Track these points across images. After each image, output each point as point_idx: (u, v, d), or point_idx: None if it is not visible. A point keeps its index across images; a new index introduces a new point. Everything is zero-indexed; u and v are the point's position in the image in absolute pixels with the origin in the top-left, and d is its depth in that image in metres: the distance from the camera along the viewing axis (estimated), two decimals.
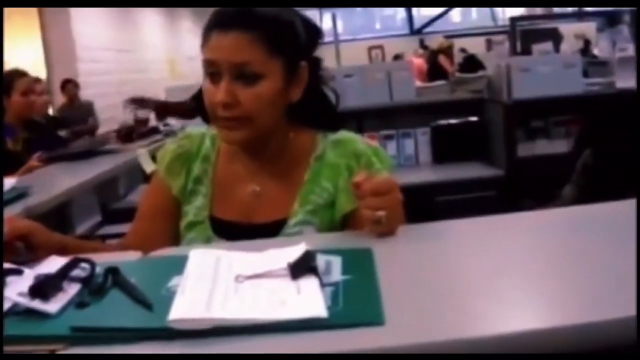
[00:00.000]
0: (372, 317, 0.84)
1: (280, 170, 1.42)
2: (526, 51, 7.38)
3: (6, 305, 0.97)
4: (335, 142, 1.43)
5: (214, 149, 1.48)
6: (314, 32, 1.42)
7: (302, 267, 0.97)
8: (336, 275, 1.00)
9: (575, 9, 12.72)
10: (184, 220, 1.45)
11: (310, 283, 0.94)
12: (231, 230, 1.40)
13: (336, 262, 1.04)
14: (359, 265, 1.03)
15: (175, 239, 1.46)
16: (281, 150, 1.42)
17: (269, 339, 0.82)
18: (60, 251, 1.22)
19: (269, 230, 1.37)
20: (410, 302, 0.91)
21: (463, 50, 12.09)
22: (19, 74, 3.83)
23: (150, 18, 12.03)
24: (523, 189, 3.71)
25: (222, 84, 1.28)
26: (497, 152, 3.73)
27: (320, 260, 1.02)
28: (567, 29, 9.70)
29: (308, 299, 0.89)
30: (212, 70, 1.30)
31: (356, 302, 0.90)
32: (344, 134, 1.45)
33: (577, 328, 0.80)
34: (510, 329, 0.81)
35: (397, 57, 12.25)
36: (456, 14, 19.25)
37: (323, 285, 0.94)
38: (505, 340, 0.79)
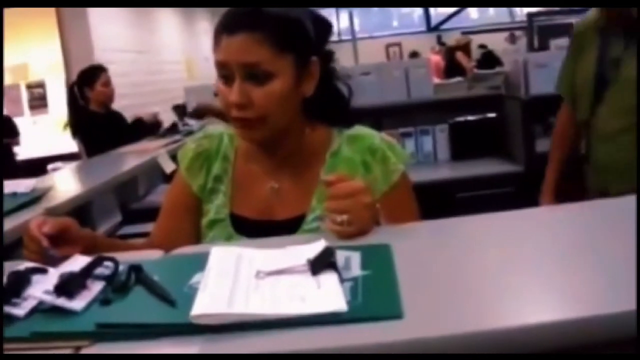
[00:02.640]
0: (391, 310, 0.85)
1: (297, 167, 1.44)
2: (544, 46, 7.33)
3: (32, 303, 0.99)
4: (351, 137, 1.44)
5: (232, 147, 1.50)
6: (324, 27, 1.43)
7: (321, 263, 0.99)
8: (355, 270, 1.01)
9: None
10: (205, 218, 1.47)
11: (329, 278, 0.95)
12: (251, 227, 1.42)
13: (355, 257, 1.06)
14: (378, 261, 1.04)
15: (197, 236, 1.48)
16: (298, 146, 1.43)
17: (290, 333, 0.83)
18: (92, 246, 1.25)
19: (288, 226, 1.39)
20: (428, 296, 0.92)
21: (482, 46, 12.06)
22: (100, 68, 4.61)
23: (167, 19, 12.07)
24: (541, 183, 3.70)
25: (234, 85, 1.30)
26: (516, 148, 3.72)
27: (340, 256, 1.04)
28: None
29: (328, 294, 0.91)
30: (224, 72, 1.32)
31: (375, 297, 0.91)
32: (359, 130, 1.47)
33: (594, 320, 0.80)
34: (528, 321, 0.81)
35: (414, 55, 12.23)
36: (473, 11, 19.16)
37: (342, 280, 0.96)
38: (522, 333, 0.80)
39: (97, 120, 4.48)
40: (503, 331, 0.80)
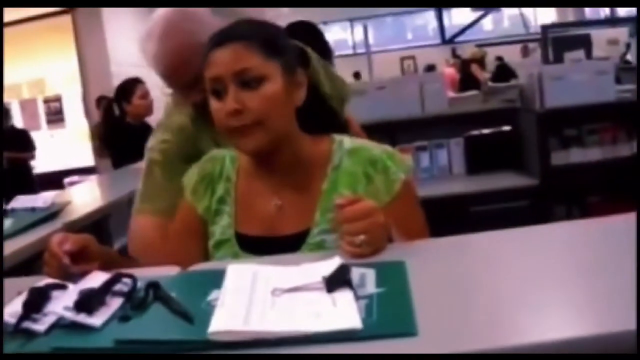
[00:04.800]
0: (406, 328, 0.86)
1: (298, 183, 1.45)
2: (559, 59, 7.33)
3: (52, 319, 1.01)
4: (351, 150, 1.46)
5: (234, 168, 1.52)
6: (313, 37, 1.48)
7: (337, 281, 1.00)
8: (370, 287, 1.02)
9: (608, 14, 12.59)
10: (211, 240, 1.49)
11: (345, 296, 0.97)
12: (257, 244, 1.43)
13: (370, 275, 1.07)
14: (393, 278, 1.05)
15: (205, 258, 1.50)
16: (297, 160, 1.45)
17: (306, 350, 0.85)
18: (109, 263, 1.28)
19: (293, 241, 1.40)
20: (443, 313, 0.93)
21: (499, 58, 12.04)
22: (138, 81, 4.61)
23: None
24: (557, 198, 3.69)
25: (228, 94, 1.33)
26: (531, 161, 3.72)
27: (355, 274, 1.05)
28: (600, 34, 9.59)
29: (343, 311, 0.92)
30: (217, 87, 1.35)
31: (390, 314, 0.92)
32: (358, 142, 1.49)
33: (610, 337, 0.81)
34: (542, 338, 0.82)
35: (430, 68, 12.23)
36: (488, 22, 19.15)
37: (357, 297, 0.97)
38: (537, 349, 0.80)
39: (130, 132, 4.53)
40: (518, 348, 0.81)
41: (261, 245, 1.42)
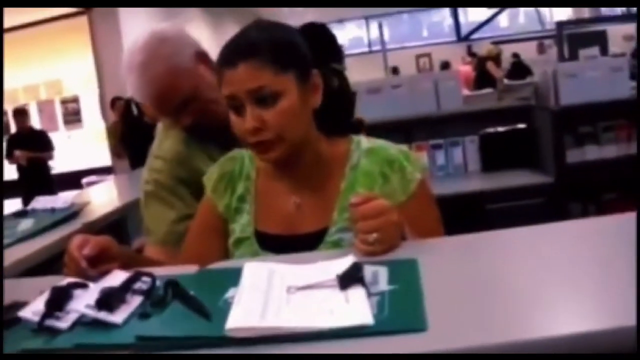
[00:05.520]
0: (416, 323, 0.89)
1: (317, 182, 1.48)
2: (574, 55, 7.30)
3: (74, 317, 1.04)
4: (368, 150, 1.48)
5: (253, 167, 1.54)
6: (322, 37, 1.48)
7: (350, 278, 1.02)
8: (382, 285, 1.04)
9: (625, 10, 12.51)
10: (231, 238, 1.52)
11: (357, 293, 0.99)
12: (276, 242, 1.46)
13: (382, 272, 1.09)
14: (405, 275, 1.07)
15: (225, 256, 1.52)
16: (316, 161, 1.47)
17: (319, 345, 0.87)
18: (128, 264, 1.30)
19: (311, 239, 1.43)
20: (454, 309, 0.95)
21: (515, 55, 12.00)
22: None
23: (197, 31, 12.19)
24: (573, 195, 3.69)
25: (246, 113, 1.35)
26: (546, 159, 3.71)
27: (368, 271, 1.07)
28: (615, 30, 9.54)
29: (355, 308, 0.94)
30: (234, 103, 1.37)
31: (401, 310, 0.94)
32: (375, 142, 1.51)
33: (622, 331, 0.81)
34: (553, 333, 0.83)
35: (445, 66, 12.21)
36: (503, 19, 19.08)
37: (370, 294, 0.99)
38: (547, 344, 0.82)
39: (147, 132, 4.54)
40: (528, 342, 0.82)
41: (280, 243, 1.45)
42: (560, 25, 9.66)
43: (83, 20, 9.28)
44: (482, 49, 12.35)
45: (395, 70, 13.83)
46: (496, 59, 10.00)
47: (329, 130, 1.50)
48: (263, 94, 1.33)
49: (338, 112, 1.51)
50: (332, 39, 1.48)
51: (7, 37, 9.85)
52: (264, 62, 1.33)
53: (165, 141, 1.91)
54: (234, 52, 1.36)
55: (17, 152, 7.65)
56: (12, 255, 2.01)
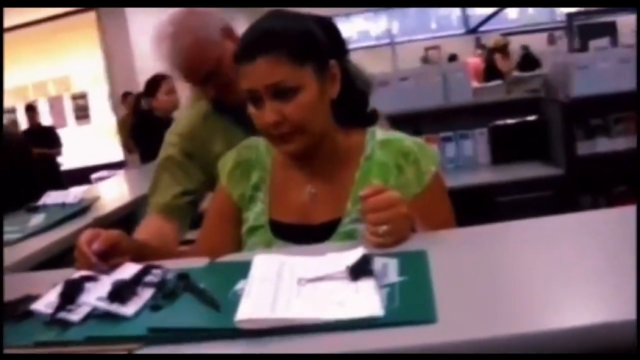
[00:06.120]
0: (425, 315, 0.89)
1: (332, 172, 1.48)
2: (585, 47, 7.26)
3: (86, 310, 1.05)
4: (383, 142, 1.48)
5: (269, 156, 1.55)
6: (332, 30, 1.47)
7: (360, 270, 1.03)
8: (392, 276, 1.04)
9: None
10: (244, 226, 1.52)
11: (367, 284, 0.99)
12: (290, 231, 1.46)
13: (392, 264, 1.09)
14: (414, 267, 1.08)
15: (240, 244, 1.53)
16: (332, 152, 1.48)
17: (329, 337, 0.88)
18: (140, 256, 1.31)
19: (325, 229, 1.43)
20: (463, 300, 0.95)
21: (525, 47, 11.93)
22: (163, 76, 4.60)
23: None
24: (583, 188, 3.68)
25: (265, 106, 1.35)
26: (556, 151, 3.70)
27: (378, 263, 1.08)
28: (626, 21, 9.47)
29: (365, 299, 0.95)
30: (253, 97, 1.37)
31: (410, 302, 0.95)
32: (390, 134, 1.51)
33: (629, 324, 0.81)
34: (563, 325, 0.83)
35: (452, 58, 12.16)
36: (513, 11, 18.97)
37: (380, 286, 0.99)
38: (557, 336, 0.82)
39: (157, 126, 4.53)
40: (537, 334, 0.82)
41: (294, 232, 1.46)
42: (571, 16, 9.60)
43: (91, 16, 9.31)
44: (490, 40, 12.29)
45: (425, 60, 13.78)
46: (503, 50, 9.94)
47: (345, 120, 1.50)
48: (282, 88, 1.34)
49: (353, 103, 1.51)
50: (336, 33, 1.48)
51: (16, 35, 9.91)
52: (282, 55, 1.33)
53: (185, 117, 2.03)
54: (251, 46, 1.36)
55: None
56: (24, 249, 2.02)
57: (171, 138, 2.01)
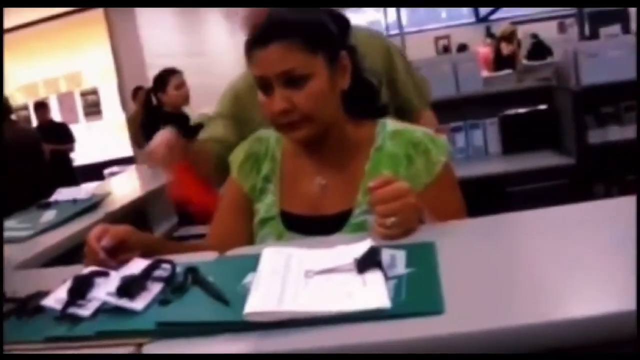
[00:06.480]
0: (432, 306, 0.89)
1: (342, 164, 1.48)
2: (595, 34, 7.20)
3: (96, 304, 1.05)
4: (394, 132, 1.48)
5: (279, 148, 1.56)
6: (343, 22, 1.48)
7: (367, 262, 1.03)
8: (400, 268, 1.04)
9: None
10: (256, 217, 1.53)
11: (375, 276, 0.99)
12: (301, 223, 1.47)
13: (400, 256, 1.09)
14: (422, 259, 1.08)
15: (251, 236, 1.54)
16: (341, 143, 1.48)
17: (337, 329, 0.88)
18: (150, 251, 1.31)
19: (336, 220, 1.43)
20: (471, 292, 0.95)
21: (535, 36, 11.84)
22: (172, 71, 4.60)
23: (215, 22, 12.21)
24: (595, 176, 3.65)
25: (275, 93, 1.36)
26: (568, 140, 3.68)
27: (385, 255, 1.07)
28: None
29: (373, 291, 0.95)
30: (263, 83, 1.38)
31: (418, 293, 0.95)
32: (400, 125, 1.51)
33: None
34: (574, 315, 0.83)
35: (461, 48, 12.10)
36: None
37: (387, 278, 0.99)
38: (568, 327, 0.82)
39: (167, 121, 4.53)
40: (543, 325, 0.82)
41: (305, 223, 1.46)
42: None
43: (100, 12, 9.31)
44: (499, 29, 12.22)
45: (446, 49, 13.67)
46: (509, 37, 9.87)
47: (355, 113, 1.50)
48: (293, 76, 1.35)
49: (363, 95, 1.51)
50: (348, 26, 1.49)
51: (26, 32, 9.96)
52: (295, 43, 1.34)
53: (242, 78, 2.15)
54: (266, 32, 1.36)
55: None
56: (36, 245, 2.03)
57: (222, 100, 2.20)
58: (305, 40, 1.34)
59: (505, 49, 9.50)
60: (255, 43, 1.37)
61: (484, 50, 10.42)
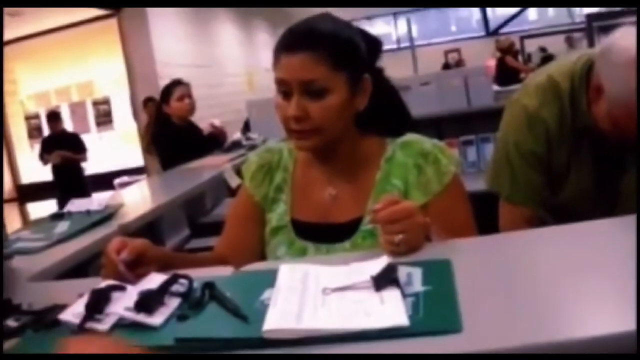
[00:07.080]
0: (450, 325, 0.89)
1: (353, 174, 1.50)
2: None
3: (114, 319, 1.06)
4: (403, 144, 1.50)
5: (291, 159, 1.59)
6: (374, 44, 1.50)
7: (384, 279, 1.03)
8: (417, 286, 1.05)
9: None
10: (268, 226, 1.56)
11: (392, 294, 1.00)
12: (311, 230, 1.49)
13: (417, 273, 1.10)
14: (438, 276, 1.08)
15: (262, 245, 1.56)
16: (352, 154, 1.50)
17: (355, 347, 0.88)
18: (166, 265, 1.32)
19: (346, 228, 1.45)
20: (488, 309, 0.95)
21: (543, 49, 11.84)
22: (176, 82, 4.61)
23: (226, 32, 12.27)
24: None
25: (293, 99, 1.38)
26: None
27: (402, 272, 1.08)
28: None
29: (390, 309, 0.95)
30: (284, 88, 1.40)
31: (435, 311, 0.95)
32: (410, 136, 1.52)
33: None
34: (588, 333, 0.83)
35: (458, 64, 12.09)
36: (532, 13, 18.90)
37: (404, 295, 1.00)
38: (580, 345, 0.82)
39: (175, 132, 4.57)
40: (561, 343, 0.82)
41: (316, 231, 1.48)
42: (590, 17, 9.52)
43: (113, 22, 9.38)
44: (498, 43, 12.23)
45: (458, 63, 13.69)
46: (508, 50, 9.88)
47: (368, 130, 1.52)
48: (313, 87, 1.37)
49: (381, 116, 1.52)
50: (379, 51, 1.51)
51: (39, 41, 10.04)
52: (322, 56, 1.36)
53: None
54: (296, 38, 1.39)
55: (55, 152, 7.75)
56: (50, 257, 2.03)
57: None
58: (332, 56, 1.36)
59: (511, 62, 9.50)
60: (285, 47, 1.39)
61: (490, 63, 10.43)
